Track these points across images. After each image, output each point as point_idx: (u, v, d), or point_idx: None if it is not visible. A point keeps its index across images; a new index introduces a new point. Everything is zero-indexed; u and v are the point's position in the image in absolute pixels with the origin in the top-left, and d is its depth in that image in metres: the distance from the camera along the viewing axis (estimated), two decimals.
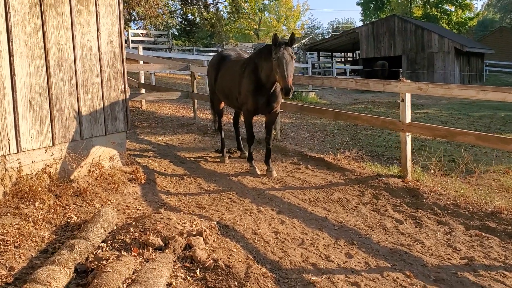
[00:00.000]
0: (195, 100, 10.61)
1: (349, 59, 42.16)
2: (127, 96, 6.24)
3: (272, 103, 6.61)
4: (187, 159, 7.70)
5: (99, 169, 5.50)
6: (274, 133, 8.58)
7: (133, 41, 26.30)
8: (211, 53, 31.72)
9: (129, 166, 6.14)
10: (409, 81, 6.32)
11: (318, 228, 4.87)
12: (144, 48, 25.23)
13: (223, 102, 7.87)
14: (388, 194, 5.94)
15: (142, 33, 28.53)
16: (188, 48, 32.73)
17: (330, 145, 9.54)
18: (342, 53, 42.25)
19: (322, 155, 7.73)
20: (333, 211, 5.41)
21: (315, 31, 65.42)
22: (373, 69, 28.76)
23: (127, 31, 25.58)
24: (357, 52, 37.60)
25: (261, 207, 5.43)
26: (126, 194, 5.59)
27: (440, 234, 4.84)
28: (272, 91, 6.47)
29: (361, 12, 58.99)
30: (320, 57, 37.78)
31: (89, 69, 5.64)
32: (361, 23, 56.83)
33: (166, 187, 6.13)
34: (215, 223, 4.68)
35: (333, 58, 37.71)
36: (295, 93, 17.39)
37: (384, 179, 6.37)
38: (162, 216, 4.30)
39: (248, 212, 5.26)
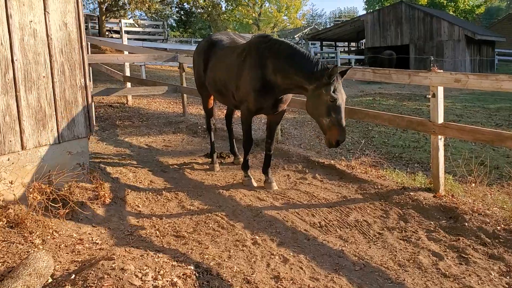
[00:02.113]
0: (185, 95, 9.33)
1: (352, 48, 40.66)
2: (89, 93, 4.97)
3: (279, 104, 5.31)
4: (170, 166, 6.43)
5: (47, 188, 4.24)
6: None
7: (127, 32, 25.00)
8: None
9: (92, 181, 4.89)
10: (442, 71, 5.03)
11: (333, 270, 3.62)
12: (138, 39, 24.01)
13: (212, 98, 6.54)
14: (419, 215, 4.67)
15: (138, 24, 27.17)
16: (186, 40, 31.37)
17: (340, 146, 8.27)
18: (346, 43, 40.74)
19: (332, 161, 6.45)
20: (351, 241, 4.15)
21: (317, 20, 63.86)
22: (378, 56, 27.27)
23: (119, 20, 24.20)
24: (362, 41, 36.14)
25: (257, 237, 4.18)
26: (83, 220, 4.34)
27: (496, 276, 3.60)
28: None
29: (365, 0, 57.30)
30: (323, 47, 36.33)
31: (33, 60, 4.37)
32: (364, 12, 55.18)
33: (138, 207, 4.88)
34: (193, 268, 3.43)
35: (337, 48, 36.27)
36: None
37: (411, 193, 5.09)
38: (114, 264, 3.05)
39: (239, 245, 4.01)
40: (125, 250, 3.60)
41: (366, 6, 56.97)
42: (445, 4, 45.63)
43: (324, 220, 4.60)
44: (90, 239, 4.00)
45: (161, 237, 4.17)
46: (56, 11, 4.55)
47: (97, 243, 3.92)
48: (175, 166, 6.43)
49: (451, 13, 43.70)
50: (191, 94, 9.29)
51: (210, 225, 4.45)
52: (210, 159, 6.56)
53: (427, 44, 27.02)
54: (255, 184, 5.58)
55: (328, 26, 51.86)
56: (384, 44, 28.76)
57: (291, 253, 3.87)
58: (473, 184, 5.74)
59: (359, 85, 22.77)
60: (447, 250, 3.99)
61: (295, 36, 40.97)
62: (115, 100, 11.21)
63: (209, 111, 6.66)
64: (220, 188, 5.51)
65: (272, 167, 6.36)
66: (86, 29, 24.84)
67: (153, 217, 4.65)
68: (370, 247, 4.03)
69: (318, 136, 8.94)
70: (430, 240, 4.17)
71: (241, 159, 6.08)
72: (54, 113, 4.59)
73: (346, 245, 4.07)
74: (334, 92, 4.49)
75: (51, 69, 4.54)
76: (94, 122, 8.67)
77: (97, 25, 25.30)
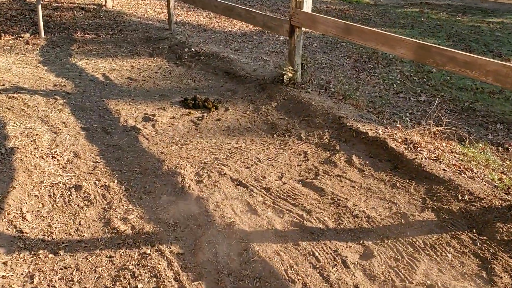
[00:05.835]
0: None
1: None
2: None
3: None
4: (121, 121, 4.08)
5: None
6: (291, 73, 4.79)
7: None
8: None
9: None
10: None
11: None
12: None
13: None
14: None
15: None
16: None
17: (385, 86, 5.74)
18: None
19: (381, 132, 3.94)
20: None
21: None
22: None
23: None
24: None
25: None
26: None
27: None
28: None
29: None
30: None
31: None
32: None
33: (24, 221, 2.67)
34: None
35: None
36: None
37: None
38: None
39: None
40: None
41: None
42: None
43: (369, 279, 2.33)
44: None
45: None
46: None
47: None
48: (129, 121, 4.08)
49: None
50: None
51: (140, 286, 2.24)
52: (187, 109, 4.18)
53: None
54: None
55: None
56: None
57: None
58: None
59: None
60: None
61: None
62: (90, 0, 8.57)
63: None
64: (187, 177, 3.21)
65: (282, 132, 3.99)
66: None
67: (41, 251, 2.46)
68: None
69: (355, 67, 6.34)
70: None
71: None
72: None
73: None
74: None
75: None
76: (43, 33, 6.24)
77: None
